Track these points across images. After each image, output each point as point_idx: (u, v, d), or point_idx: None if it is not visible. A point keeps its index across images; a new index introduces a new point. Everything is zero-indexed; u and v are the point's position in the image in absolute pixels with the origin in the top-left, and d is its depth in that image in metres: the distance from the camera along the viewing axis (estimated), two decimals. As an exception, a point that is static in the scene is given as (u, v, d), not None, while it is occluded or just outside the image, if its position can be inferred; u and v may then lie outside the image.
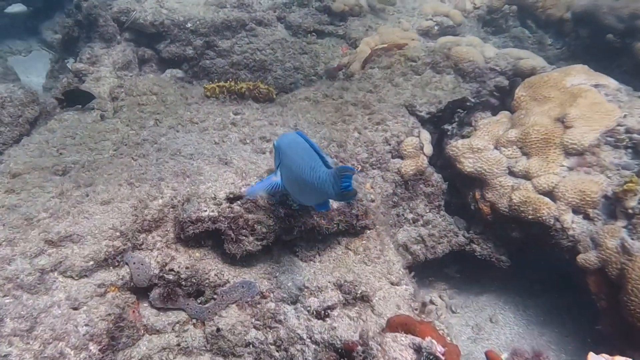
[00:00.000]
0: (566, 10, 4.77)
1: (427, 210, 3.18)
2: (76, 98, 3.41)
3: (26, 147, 2.83)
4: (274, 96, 3.39)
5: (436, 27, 4.40)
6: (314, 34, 4.64)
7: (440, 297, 3.54)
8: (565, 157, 2.84)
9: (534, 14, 5.02)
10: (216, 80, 4.61)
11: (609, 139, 2.79)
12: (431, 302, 3.48)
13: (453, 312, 3.41)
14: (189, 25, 4.45)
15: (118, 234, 2.04)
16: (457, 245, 3.19)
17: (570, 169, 2.82)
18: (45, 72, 4.95)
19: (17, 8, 6.24)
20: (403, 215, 3.14)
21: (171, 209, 2.23)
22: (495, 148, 3.04)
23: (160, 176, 2.38)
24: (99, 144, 2.82)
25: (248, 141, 2.73)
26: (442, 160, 3.37)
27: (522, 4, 5.01)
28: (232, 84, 3.24)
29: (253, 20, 4.60)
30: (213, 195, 2.16)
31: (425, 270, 3.43)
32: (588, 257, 2.55)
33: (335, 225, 2.22)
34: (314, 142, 1.73)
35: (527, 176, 2.88)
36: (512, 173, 2.95)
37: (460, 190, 3.26)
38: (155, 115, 3.03)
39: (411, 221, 3.15)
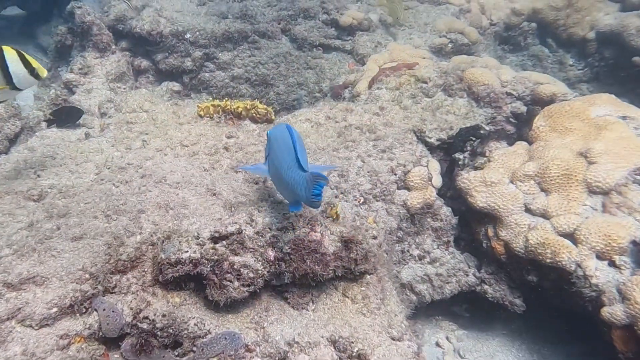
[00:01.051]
0: (590, 29, 4.59)
1: (435, 247, 2.99)
2: (65, 115, 3.26)
3: (2, 167, 2.69)
4: (273, 117, 3.23)
5: (450, 45, 4.24)
6: (319, 48, 4.49)
7: (447, 338, 3.33)
8: (588, 196, 2.65)
9: (554, 32, 4.84)
10: (215, 93, 4.51)
11: (638, 177, 2.60)
12: (437, 345, 3.28)
13: (461, 357, 3.20)
14: (188, 36, 4.32)
15: (87, 275, 1.88)
16: (467, 285, 2.99)
17: (594, 209, 2.62)
18: (38, 80, 4.84)
19: (15, 11, 6.18)
20: (408, 251, 2.95)
21: (150, 247, 2.06)
22: (511, 182, 2.86)
23: (141, 208, 2.22)
24: (81, 166, 2.67)
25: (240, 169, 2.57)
26: (452, 191, 3.18)
27: (543, 21, 4.83)
28: (228, 103, 3.09)
29: (256, 32, 4.47)
30: (196, 234, 1.99)
31: (431, 308, 3.23)
32: (614, 311, 2.35)
33: (331, 272, 2.04)
34: (298, 140, 1.82)
35: (545, 215, 2.68)
36: (529, 210, 2.76)
37: (472, 225, 3.07)
38: (143, 135, 2.88)
39: (417, 258, 2.96)
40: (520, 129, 3.30)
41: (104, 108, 3.35)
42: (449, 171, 3.30)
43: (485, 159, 2.98)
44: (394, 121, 3.30)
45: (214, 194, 2.34)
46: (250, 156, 2.67)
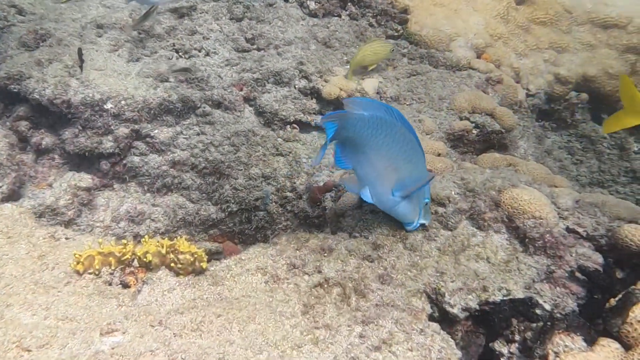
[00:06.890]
0: (664, 109, 3.64)
1: None
2: None
3: None
4: (204, 265, 2.18)
5: (475, 131, 3.24)
6: (295, 126, 3.51)
7: None
8: None
9: (613, 107, 3.89)
10: (148, 184, 3.47)
11: None
12: None
13: None
14: (109, 106, 3.32)
15: None
16: None
17: None
18: None
19: None
20: None
21: None
22: (594, 418, 1.80)
23: None
24: None
25: None
26: (486, 395, 2.13)
27: (597, 91, 3.90)
28: (127, 249, 2.05)
29: (208, 100, 3.49)
30: None
31: None
32: None
33: None
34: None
35: None
36: None
37: None
38: (-33, 319, 1.82)
39: None
40: (592, 291, 2.27)
41: (-58, 239, 2.30)
42: (485, 355, 2.25)
43: (546, 366, 1.93)
44: (394, 272, 2.28)
45: None
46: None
